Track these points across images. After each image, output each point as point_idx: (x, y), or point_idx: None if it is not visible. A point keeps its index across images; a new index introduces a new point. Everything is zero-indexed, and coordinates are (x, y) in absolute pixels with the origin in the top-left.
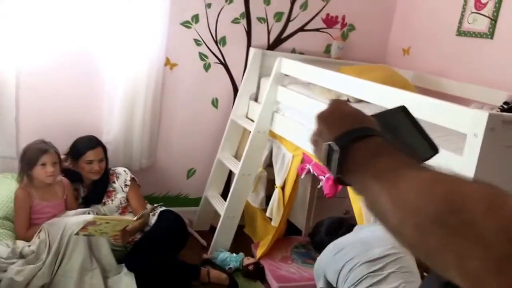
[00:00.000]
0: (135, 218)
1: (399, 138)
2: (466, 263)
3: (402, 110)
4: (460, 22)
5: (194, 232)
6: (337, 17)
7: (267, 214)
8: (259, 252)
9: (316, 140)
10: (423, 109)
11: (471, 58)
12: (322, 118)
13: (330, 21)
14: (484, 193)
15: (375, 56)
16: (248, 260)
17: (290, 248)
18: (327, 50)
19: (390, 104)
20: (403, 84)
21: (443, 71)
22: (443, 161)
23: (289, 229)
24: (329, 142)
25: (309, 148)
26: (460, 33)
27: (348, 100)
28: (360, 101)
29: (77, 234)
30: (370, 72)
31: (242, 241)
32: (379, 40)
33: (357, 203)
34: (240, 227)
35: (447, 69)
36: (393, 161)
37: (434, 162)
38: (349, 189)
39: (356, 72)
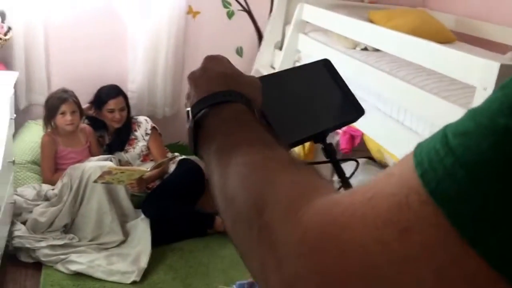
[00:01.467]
0: (148, 169)
1: (315, 97)
2: (268, 276)
3: (324, 65)
4: None
5: None
6: None
7: None
8: None
9: (185, 105)
10: (432, 57)
11: None
12: (192, 78)
13: None
14: (289, 190)
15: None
16: None
17: None
18: None
19: (404, 53)
20: (436, 30)
21: (487, 15)
22: (449, 116)
23: None
24: (187, 108)
25: None
26: None
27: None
28: (377, 50)
29: (95, 182)
30: (400, 17)
31: None
32: None
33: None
34: None
35: (492, 13)
36: (238, 134)
37: (432, 117)
38: (367, 140)
39: (385, 18)
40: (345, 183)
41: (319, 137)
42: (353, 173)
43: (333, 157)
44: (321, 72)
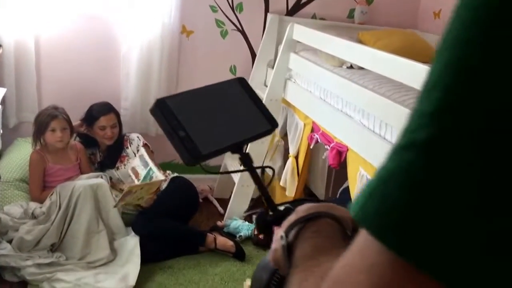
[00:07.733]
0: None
1: (232, 111)
2: None
3: (239, 82)
4: None
5: (213, 199)
6: None
7: (281, 183)
8: None
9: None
10: (411, 75)
11: None
12: (286, 223)
13: None
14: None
15: (403, 21)
16: None
17: None
18: (351, 15)
19: (390, 72)
20: (422, 50)
21: None
22: None
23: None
24: (281, 233)
25: (317, 117)
26: None
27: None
28: (361, 68)
29: (115, 207)
30: (388, 37)
31: None
32: (408, 3)
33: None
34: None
35: None
36: (316, 248)
37: None
38: (348, 159)
39: (374, 38)
40: (262, 189)
41: (236, 148)
42: (285, 204)
43: (250, 166)
44: (237, 89)
